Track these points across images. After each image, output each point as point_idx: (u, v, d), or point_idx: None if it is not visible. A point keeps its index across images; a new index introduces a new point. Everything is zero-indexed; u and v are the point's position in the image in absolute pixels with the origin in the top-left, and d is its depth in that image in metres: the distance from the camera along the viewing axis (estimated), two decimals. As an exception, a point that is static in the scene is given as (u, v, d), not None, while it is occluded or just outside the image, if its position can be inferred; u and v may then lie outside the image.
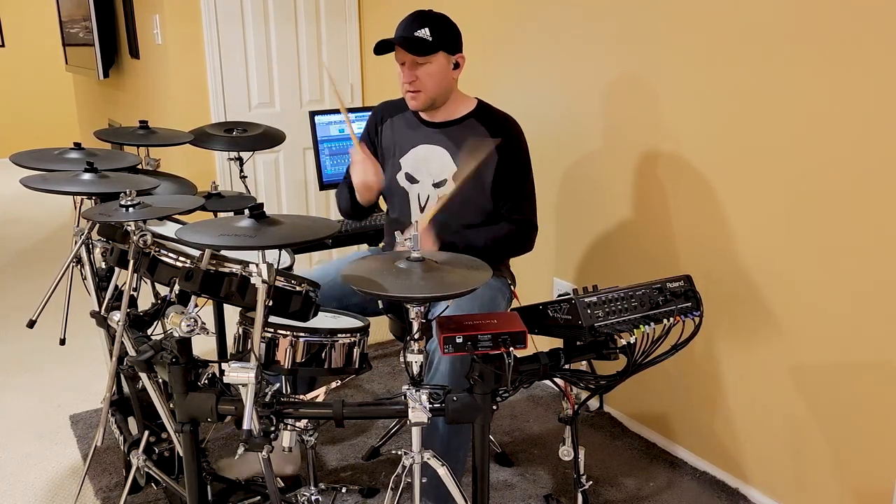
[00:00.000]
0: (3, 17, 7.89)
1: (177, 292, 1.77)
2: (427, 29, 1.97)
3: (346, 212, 2.25)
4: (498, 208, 2.10)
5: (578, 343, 1.58)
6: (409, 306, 1.43)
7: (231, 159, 2.61)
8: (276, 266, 1.46)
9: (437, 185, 2.10)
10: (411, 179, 2.14)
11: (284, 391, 1.81)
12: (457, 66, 2.06)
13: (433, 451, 1.56)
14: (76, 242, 1.95)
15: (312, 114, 2.85)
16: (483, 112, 2.12)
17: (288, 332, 1.56)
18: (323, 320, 1.74)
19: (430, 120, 2.13)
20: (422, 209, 2.14)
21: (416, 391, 1.46)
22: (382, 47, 1.99)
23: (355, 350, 1.62)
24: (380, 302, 1.78)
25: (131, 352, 1.84)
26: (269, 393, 1.51)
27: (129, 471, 1.98)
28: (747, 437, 2.18)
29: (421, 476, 1.55)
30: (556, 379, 1.62)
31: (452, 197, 2.00)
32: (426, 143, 2.12)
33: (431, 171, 2.11)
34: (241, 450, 1.59)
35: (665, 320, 1.54)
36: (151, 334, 1.96)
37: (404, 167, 2.14)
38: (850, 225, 1.82)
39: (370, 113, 2.27)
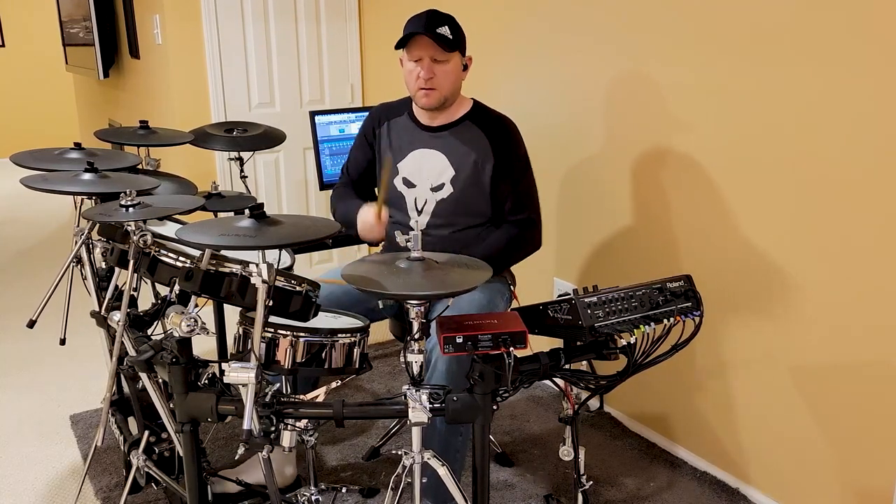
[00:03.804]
0: (3, 17, 7.89)
1: (177, 292, 1.77)
2: (447, 27, 1.97)
3: (341, 223, 2.23)
4: (498, 209, 2.10)
5: (578, 343, 1.58)
6: (408, 306, 1.43)
7: (231, 159, 2.61)
8: (276, 266, 1.46)
9: (434, 190, 2.10)
10: (409, 184, 2.13)
11: (284, 391, 1.81)
12: (465, 67, 2.07)
13: (433, 451, 1.56)
14: (76, 242, 1.95)
15: (312, 114, 2.85)
16: (479, 113, 2.12)
17: (288, 332, 1.56)
18: (323, 320, 1.74)
19: (428, 124, 2.12)
20: (419, 213, 2.13)
21: (417, 391, 1.47)
22: (406, 39, 1.97)
23: (355, 350, 1.62)
24: (380, 303, 1.78)
25: (131, 352, 1.84)
26: (269, 393, 1.51)
27: (129, 471, 1.98)
28: (747, 437, 2.18)
29: (421, 476, 1.55)
30: (556, 379, 1.62)
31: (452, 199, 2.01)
32: (424, 148, 2.12)
33: (429, 175, 2.10)
34: (241, 449, 1.59)
35: (665, 320, 1.54)
36: (151, 334, 1.96)
37: (402, 171, 2.14)
38: (851, 225, 1.82)
39: (367, 115, 2.27)
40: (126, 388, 2.14)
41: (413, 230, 1.49)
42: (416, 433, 1.52)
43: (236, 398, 1.51)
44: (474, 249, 2.04)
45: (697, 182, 2.18)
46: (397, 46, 1.99)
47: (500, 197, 2.08)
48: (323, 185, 2.86)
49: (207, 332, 1.53)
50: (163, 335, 1.60)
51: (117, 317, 1.81)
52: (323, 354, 1.59)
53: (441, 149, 2.09)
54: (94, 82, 5.29)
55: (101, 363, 3.13)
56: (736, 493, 2.21)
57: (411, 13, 2.01)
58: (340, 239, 2.61)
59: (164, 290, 1.87)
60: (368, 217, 2.05)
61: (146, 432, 1.95)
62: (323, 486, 2.12)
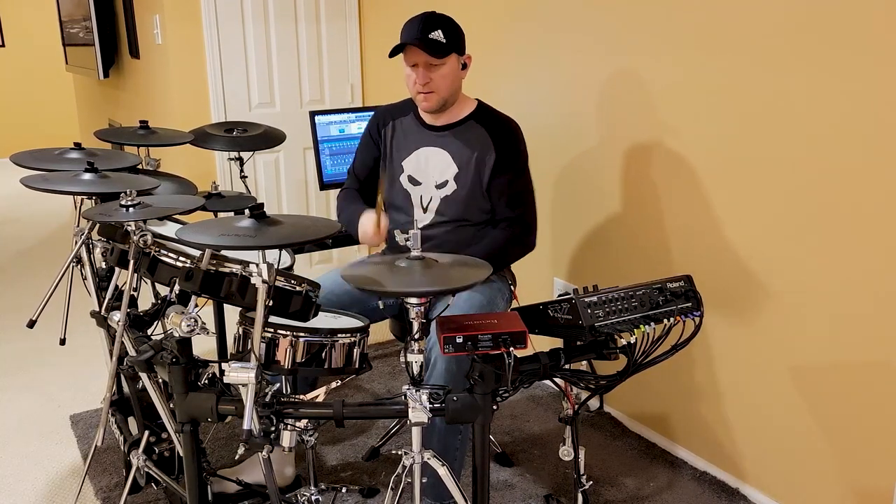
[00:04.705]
0: (3, 17, 7.89)
1: (177, 292, 1.77)
2: (440, 31, 1.97)
3: (345, 226, 2.22)
4: (494, 207, 2.10)
5: (579, 343, 1.58)
6: (409, 306, 1.43)
7: (231, 159, 2.61)
8: (276, 266, 1.46)
9: (438, 187, 2.11)
10: (413, 181, 2.14)
11: (284, 391, 1.81)
12: (464, 66, 2.08)
13: (433, 451, 1.56)
14: (76, 242, 1.95)
15: (312, 114, 2.85)
16: (483, 113, 2.13)
17: (288, 332, 1.56)
18: (323, 320, 1.74)
19: (433, 123, 2.14)
20: (424, 210, 2.14)
21: (417, 391, 1.47)
22: (398, 49, 1.98)
23: (355, 350, 1.62)
24: (380, 303, 1.78)
25: (131, 352, 1.84)
26: (269, 393, 1.51)
27: (129, 471, 1.98)
28: (747, 437, 2.18)
29: (421, 476, 1.55)
30: (556, 379, 1.62)
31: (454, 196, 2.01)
32: (428, 146, 2.13)
33: (434, 172, 2.12)
34: (241, 449, 1.59)
35: (665, 320, 1.54)
36: (151, 334, 1.96)
37: (406, 169, 2.15)
38: (850, 225, 1.82)
39: (371, 115, 2.28)
40: (126, 388, 2.14)
41: (413, 230, 1.50)
42: (416, 433, 1.52)
43: (236, 398, 1.51)
44: (471, 249, 2.05)
45: (697, 182, 2.18)
46: (391, 55, 2.00)
47: (496, 192, 2.08)
48: (323, 185, 2.86)
49: (207, 332, 1.53)
50: (163, 335, 1.60)
51: (117, 317, 1.81)
52: (323, 354, 1.59)
53: (445, 147, 2.11)
54: (94, 82, 5.29)
55: (101, 363, 3.13)
56: (736, 493, 2.21)
57: (411, 13, 2.01)
58: (340, 239, 2.60)
59: (164, 290, 1.87)
60: (368, 226, 2.07)
61: (146, 432, 1.95)
62: (323, 486, 2.12)
